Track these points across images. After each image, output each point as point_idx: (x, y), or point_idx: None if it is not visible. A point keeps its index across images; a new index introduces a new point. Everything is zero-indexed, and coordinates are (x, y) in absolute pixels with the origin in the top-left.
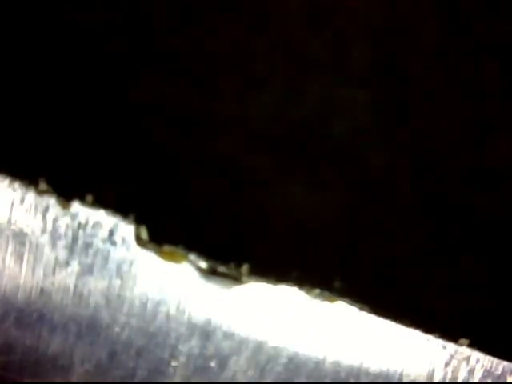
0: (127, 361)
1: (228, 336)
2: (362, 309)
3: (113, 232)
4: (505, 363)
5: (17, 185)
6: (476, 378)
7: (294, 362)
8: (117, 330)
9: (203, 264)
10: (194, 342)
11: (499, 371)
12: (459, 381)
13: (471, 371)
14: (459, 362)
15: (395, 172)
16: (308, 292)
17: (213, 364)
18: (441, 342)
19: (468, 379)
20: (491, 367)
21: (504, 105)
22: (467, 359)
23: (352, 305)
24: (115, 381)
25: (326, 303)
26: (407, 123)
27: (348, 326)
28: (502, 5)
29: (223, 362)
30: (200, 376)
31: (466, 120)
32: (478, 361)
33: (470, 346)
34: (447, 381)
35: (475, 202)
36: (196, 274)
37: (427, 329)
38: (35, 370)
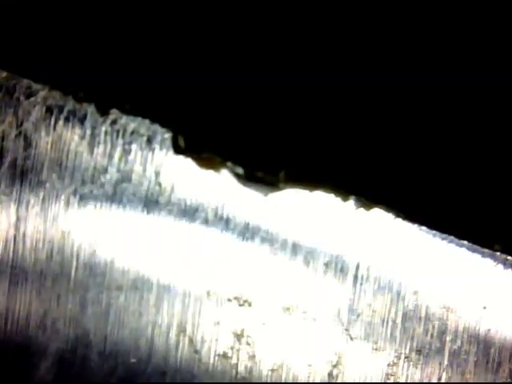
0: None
1: (266, 240)
2: (397, 216)
3: (151, 139)
4: None
5: (56, 93)
6: None
7: (331, 267)
8: (155, 236)
9: (240, 170)
10: (232, 245)
11: None
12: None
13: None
14: (494, 268)
15: None
16: (344, 199)
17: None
18: (476, 247)
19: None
20: None
21: None
22: (504, 262)
23: (387, 212)
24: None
25: (362, 210)
26: None
27: (383, 233)
28: None
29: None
30: None
31: None
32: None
33: (503, 251)
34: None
35: None
36: (234, 181)
37: (461, 235)
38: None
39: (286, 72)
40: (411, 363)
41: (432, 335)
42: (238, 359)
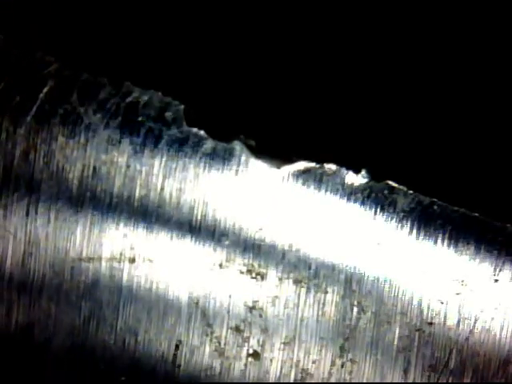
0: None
1: (278, 213)
2: (408, 188)
3: (164, 112)
4: None
5: (69, 66)
6: None
7: (344, 238)
8: (168, 209)
9: (253, 142)
10: (245, 217)
11: None
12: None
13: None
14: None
15: None
16: (355, 172)
17: (260, 237)
18: (488, 221)
19: None
20: None
21: None
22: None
23: (398, 184)
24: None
25: (373, 182)
26: None
27: (395, 204)
28: None
29: (272, 236)
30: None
31: None
32: None
33: None
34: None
35: None
36: (246, 152)
37: (470, 207)
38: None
39: (295, 43)
40: (423, 336)
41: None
42: (250, 332)
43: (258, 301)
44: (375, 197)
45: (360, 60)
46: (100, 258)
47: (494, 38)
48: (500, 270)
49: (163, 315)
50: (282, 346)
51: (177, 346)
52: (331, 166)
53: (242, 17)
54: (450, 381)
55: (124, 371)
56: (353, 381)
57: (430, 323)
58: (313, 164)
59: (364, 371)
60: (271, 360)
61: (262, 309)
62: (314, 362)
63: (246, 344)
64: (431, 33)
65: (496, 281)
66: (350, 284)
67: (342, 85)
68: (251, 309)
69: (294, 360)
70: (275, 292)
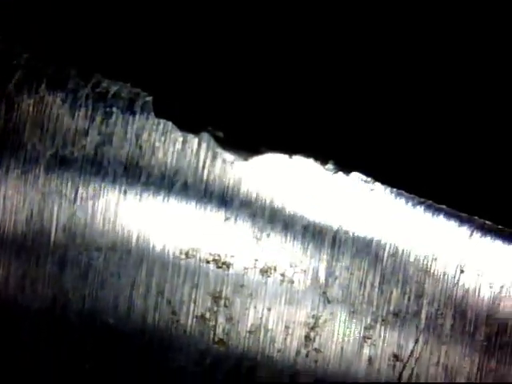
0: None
1: (244, 204)
2: (375, 180)
3: (132, 102)
4: None
5: (39, 57)
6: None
7: (310, 230)
8: (135, 198)
9: (221, 134)
10: (211, 208)
11: None
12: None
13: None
14: (473, 232)
15: None
16: (323, 163)
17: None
18: (454, 212)
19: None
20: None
21: None
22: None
23: (366, 176)
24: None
25: (341, 174)
26: None
27: (361, 197)
28: None
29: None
30: None
31: None
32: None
33: (481, 216)
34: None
35: None
36: (214, 144)
37: (439, 200)
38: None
39: (263, 33)
40: (388, 326)
41: (409, 298)
42: (215, 321)
43: (223, 290)
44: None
45: (322, 46)
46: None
47: (490, 44)
48: (464, 264)
49: (129, 303)
50: (248, 334)
51: (142, 334)
52: (300, 156)
53: (202, 6)
54: (415, 370)
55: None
56: (318, 369)
57: (395, 314)
58: (280, 155)
59: (329, 360)
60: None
61: (227, 298)
62: (279, 351)
63: (212, 332)
64: (420, 34)
65: (462, 271)
66: (316, 274)
67: (308, 75)
68: (217, 298)
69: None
70: (241, 281)
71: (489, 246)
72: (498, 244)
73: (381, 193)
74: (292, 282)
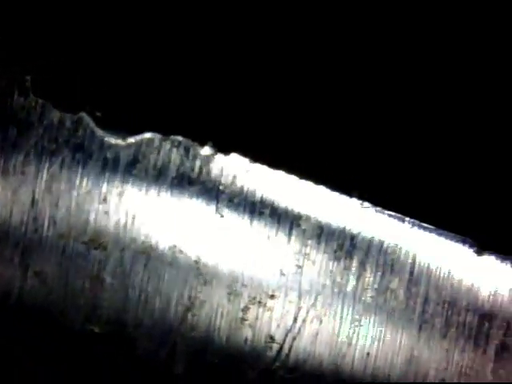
0: None
1: (119, 182)
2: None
3: (11, 83)
4: None
5: None
6: None
7: (191, 204)
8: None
9: (99, 114)
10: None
11: None
12: None
13: None
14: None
15: None
16: (201, 144)
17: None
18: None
19: None
20: None
21: None
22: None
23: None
24: None
25: (220, 155)
26: None
27: (239, 177)
28: None
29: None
30: None
31: None
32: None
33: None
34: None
35: None
36: (92, 124)
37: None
38: None
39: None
40: (265, 307)
41: (287, 278)
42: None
43: (100, 271)
44: (221, 168)
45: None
46: None
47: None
48: (342, 247)
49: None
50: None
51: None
52: (177, 138)
53: None
54: (289, 356)
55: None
56: (194, 349)
57: (272, 296)
58: (159, 135)
59: (206, 341)
60: None
61: (104, 279)
62: (154, 328)
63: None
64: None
65: (337, 256)
66: (198, 263)
67: (181, 52)
68: (94, 278)
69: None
70: (118, 262)
71: None
72: None
73: (260, 173)
74: (170, 263)
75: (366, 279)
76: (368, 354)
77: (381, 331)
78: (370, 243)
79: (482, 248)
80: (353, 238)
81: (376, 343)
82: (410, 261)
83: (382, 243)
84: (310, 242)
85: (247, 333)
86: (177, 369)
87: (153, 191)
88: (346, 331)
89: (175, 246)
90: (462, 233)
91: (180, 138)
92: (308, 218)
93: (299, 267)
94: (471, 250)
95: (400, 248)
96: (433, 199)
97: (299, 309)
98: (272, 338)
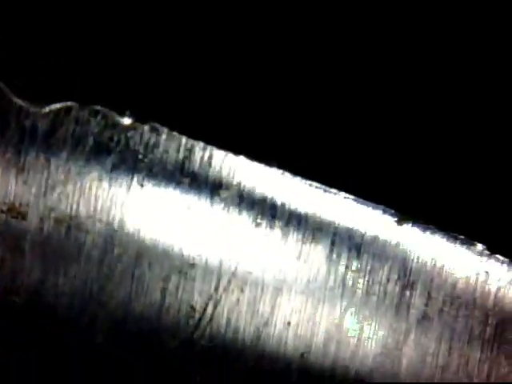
0: None
1: (38, 153)
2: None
3: None
4: None
5: None
6: None
7: (103, 179)
8: None
9: (17, 82)
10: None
11: None
12: None
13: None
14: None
15: None
16: (120, 115)
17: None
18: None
19: None
20: None
21: None
22: None
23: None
24: None
25: (137, 124)
26: None
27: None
28: None
29: None
30: None
31: None
32: None
33: None
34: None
35: None
36: (10, 93)
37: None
38: None
39: None
40: (186, 277)
41: (208, 247)
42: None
43: (20, 241)
44: (139, 138)
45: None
46: None
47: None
48: (263, 216)
49: None
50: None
51: None
52: (96, 107)
53: None
54: (210, 326)
55: None
56: (114, 318)
57: (192, 264)
58: (77, 104)
59: (126, 311)
60: None
61: (23, 250)
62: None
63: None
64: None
65: (258, 224)
66: (117, 232)
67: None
68: (13, 248)
69: None
70: (37, 232)
71: None
72: None
73: (178, 142)
74: (87, 231)
75: (288, 248)
76: (289, 323)
77: (302, 301)
78: (290, 212)
79: (402, 217)
80: (274, 206)
81: (297, 313)
82: (331, 229)
83: (304, 212)
84: (230, 210)
85: (168, 302)
86: (98, 338)
87: (71, 160)
88: (267, 300)
89: (95, 215)
90: (384, 203)
91: (99, 107)
92: (228, 187)
93: (219, 236)
94: (392, 219)
95: (320, 217)
96: (355, 169)
97: (220, 278)
98: (193, 308)
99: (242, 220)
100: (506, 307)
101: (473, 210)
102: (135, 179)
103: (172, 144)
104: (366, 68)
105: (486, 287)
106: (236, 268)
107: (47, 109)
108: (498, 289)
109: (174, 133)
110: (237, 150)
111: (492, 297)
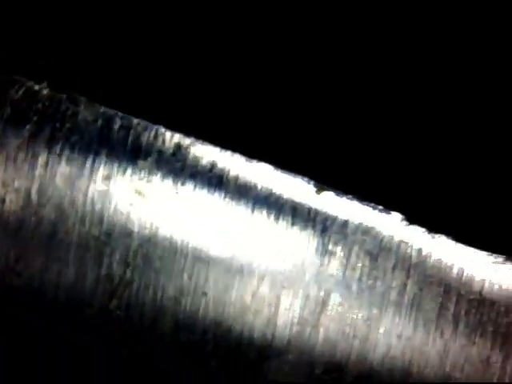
0: None
1: None
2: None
3: None
4: None
5: None
6: None
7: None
8: None
9: None
10: None
11: None
12: None
13: None
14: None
15: None
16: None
17: None
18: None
19: None
20: None
21: None
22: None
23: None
24: None
25: (54, 93)
26: None
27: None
28: None
29: None
30: None
31: None
32: None
33: None
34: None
35: None
36: None
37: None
38: None
39: None
40: (104, 245)
41: (123, 213)
42: None
43: None
44: (56, 107)
45: None
46: None
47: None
48: (182, 184)
49: None
50: None
51: None
52: (15, 77)
53: None
54: (126, 294)
55: None
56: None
57: (108, 234)
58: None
59: (42, 280)
60: None
61: None
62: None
63: None
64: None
65: (179, 192)
66: (30, 198)
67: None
68: None
69: None
70: None
71: None
72: None
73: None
74: (3, 201)
75: (207, 215)
76: (205, 293)
77: (218, 271)
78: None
79: (320, 185)
80: (194, 176)
81: (212, 283)
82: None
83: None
84: (150, 178)
85: (84, 270)
86: (14, 308)
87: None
88: (188, 268)
89: (12, 184)
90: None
91: (17, 77)
92: (147, 156)
93: (134, 206)
94: (310, 187)
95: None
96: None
97: (138, 245)
98: (109, 275)
99: (157, 185)
100: (422, 276)
101: (392, 179)
102: (53, 149)
103: (90, 114)
104: (366, 68)
105: (405, 256)
106: (155, 235)
107: None
108: (416, 257)
109: (94, 103)
110: (155, 119)
111: (410, 265)
